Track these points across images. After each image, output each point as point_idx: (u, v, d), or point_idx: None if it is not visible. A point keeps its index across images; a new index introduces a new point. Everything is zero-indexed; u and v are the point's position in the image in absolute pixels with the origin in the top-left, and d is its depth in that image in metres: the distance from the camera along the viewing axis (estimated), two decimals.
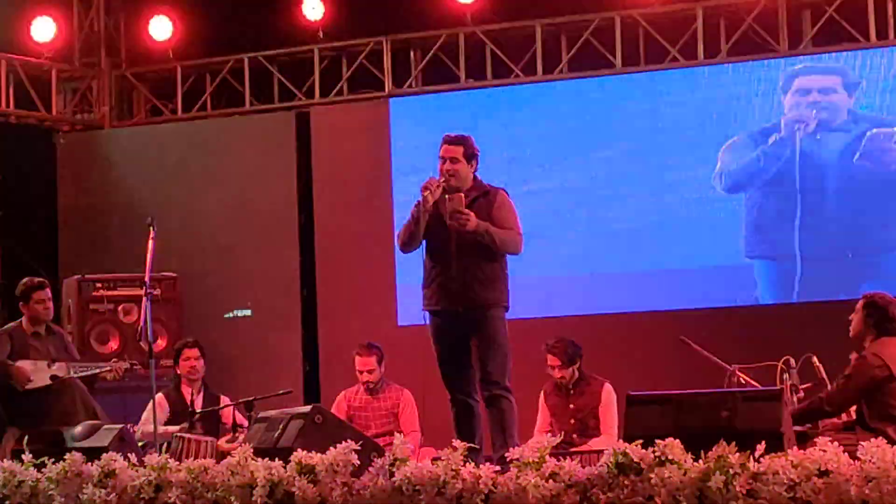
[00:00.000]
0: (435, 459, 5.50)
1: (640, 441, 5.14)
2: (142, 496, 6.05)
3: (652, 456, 5.08)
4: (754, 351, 8.54)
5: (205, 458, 6.68)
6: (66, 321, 10.75)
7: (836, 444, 5.03)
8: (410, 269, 9.46)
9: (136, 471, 6.15)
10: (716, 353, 8.41)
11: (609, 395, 8.65)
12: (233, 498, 5.82)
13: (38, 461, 6.43)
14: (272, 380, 10.43)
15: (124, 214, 11.62)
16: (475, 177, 7.34)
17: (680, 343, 8.59)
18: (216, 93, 12.27)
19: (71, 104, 12.42)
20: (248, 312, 11.66)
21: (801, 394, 7.76)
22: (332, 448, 5.73)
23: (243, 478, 5.83)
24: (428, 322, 7.35)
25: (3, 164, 11.64)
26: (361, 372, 9.24)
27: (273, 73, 12.08)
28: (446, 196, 7.13)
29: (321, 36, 11.79)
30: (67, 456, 6.32)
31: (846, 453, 4.97)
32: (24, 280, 8.87)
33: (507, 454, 5.51)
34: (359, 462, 5.66)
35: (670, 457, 5.05)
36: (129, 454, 6.33)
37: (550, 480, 5.21)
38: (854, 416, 7.13)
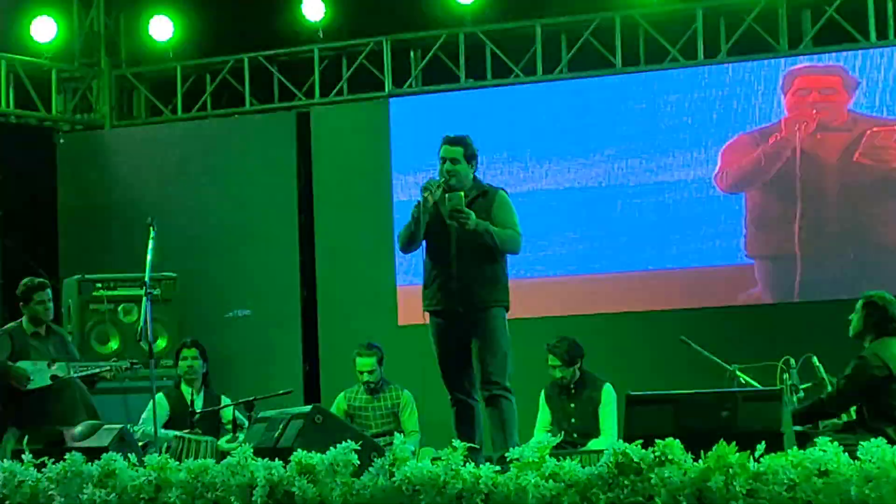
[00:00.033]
0: (435, 459, 5.50)
1: (641, 441, 5.14)
2: (142, 496, 6.04)
3: (652, 456, 5.08)
4: (754, 351, 8.55)
5: (205, 458, 6.67)
6: (67, 321, 10.75)
7: (835, 444, 5.02)
8: (410, 269, 9.52)
9: (136, 471, 6.15)
10: (716, 353, 8.42)
11: (609, 395, 8.66)
12: (233, 498, 5.82)
13: (38, 461, 6.42)
14: (272, 380, 10.43)
15: (124, 214, 11.62)
16: (475, 177, 7.35)
17: (680, 343, 8.60)
18: (216, 93, 12.28)
19: (71, 104, 12.42)
20: (248, 312, 11.66)
21: (801, 394, 7.77)
22: (332, 448, 5.72)
23: (243, 478, 5.83)
24: (428, 322, 7.36)
25: (3, 164, 11.64)
26: (361, 372, 9.24)
27: (273, 73, 12.08)
28: (446, 196, 7.14)
29: (321, 36, 11.79)
30: (67, 456, 6.32)
31: (846, 453, 4.97)
32: (25, 280, 8.87)
33: (507, 454, 5.51)
34: (359, 462, 5.66)
35: (670, 457, 5.05)
36: (128, 454, 6.32)
37: (550, 480, 5.21)
38: (854, 416, 7.13)
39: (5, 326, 8.88)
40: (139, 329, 8.72)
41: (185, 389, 9.24)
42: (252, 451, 5.98)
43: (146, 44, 12.31)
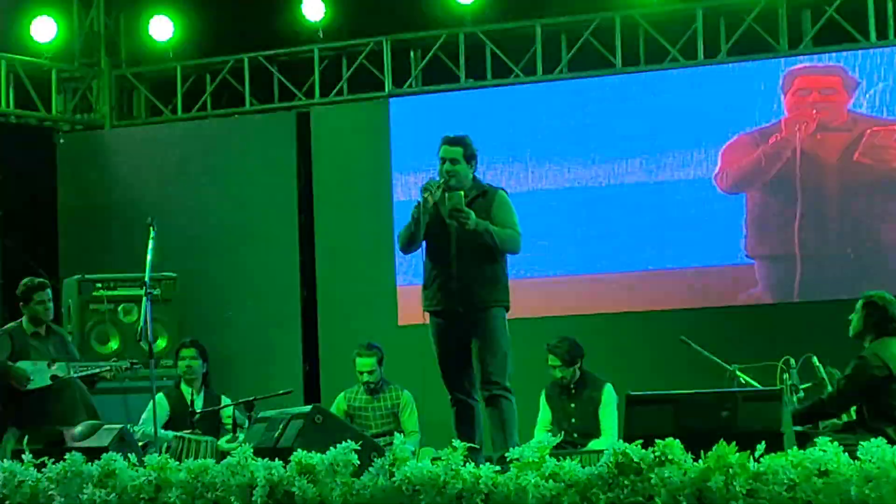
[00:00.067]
0: (435, 459, 5.50)
1: (641, 441, 5.14)
2: (142, 496, 6.05)
3: (652, 456, 5.08)
4: (754, 351, 8.55)
5: (205, 458, 6.67)
6: (67, 321, 10.74)
7: (835, 444, 5.03)
8: (410, 270, 9.52)
9: (136, 471, 6.15)
10: (716, 353, 8.42)
11: (610, 395, 8.66)
12: (233, 498, 5.82)
13: (38, 461, 6.42)
14: (272, 380, 10.43)
15: (124, 214, 11.62)
16: (474, 177, 7.35)
17: (680, 343, 8.60)
18: (216, 93, 12.27)
19: (71, 104, 12.42)
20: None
21: (801, 394, 7.77)
22: (332, 448, 5.72)
23: (243, 478, 5.83)
24: (428, 322, 7.36)
25: (3, 164, 11.64)
26: (361, 372, 9.24)
27: (273, 73, 12.08)
28: (446, 195, 7.14)
29: (321, 36, 11.79)
30: (67, 456, 6.32)
31: (846, 453, 4.97)
32: (25, 280, 8.87)
33: (507, 454, 5.51)
34: (359, 462, 5.66)
35: (670, 457, 5.05)
36: (129, 454, 6.32)
37: (550, 480, 5.21)
38: (854, 416, 7.13)
39: (5, 326, 8.88)
40: (139, 329, 8.72)
41: (185, 389, 9.24)
42: (252, 451, 5.98)
43: (146, 44, 12.31)
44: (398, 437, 5.69)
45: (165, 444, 8.20)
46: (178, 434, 8.41)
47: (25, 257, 11.59)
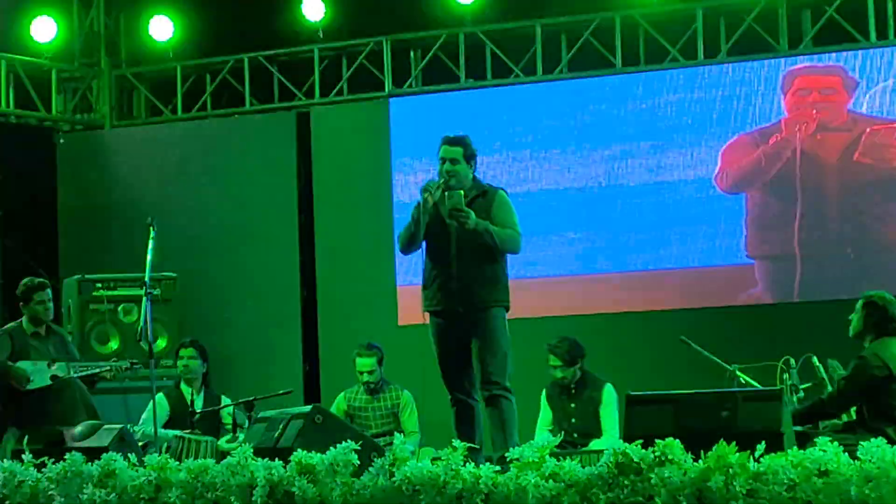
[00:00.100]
0: (435, 459, 5.50)
1: (641, 441, 5.14)
2: (142, 496, 6.05)
3: (652, 456, 5.08)
4: (754, 351, 8.56)
5: (205, 458, 6.67)
6: (67, 321, 10.75)
7: (835, 444, 5.03)
8: (410, 269, 9.51)
9: (136, 471, 6.15)
10: (716, 353, 8.42)
11: (610, 395, 8.65)
12: (233, 498, 5.82)
13: (38, 461, 6.42)
14: (272, 380, 10.43)
15: (124, 214, 11.62)
16: (474, 177, 7.35)
17: (680, 343, 8.60)
18: (216, 93, 12.28)
19: (71, 104, 12.42)
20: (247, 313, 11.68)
21: (801, 394, 7.77)
22: (332, 448, 5.72)
23: (243, 478, 5.83)
24: (428, 322, 7.36)
25: (3, 164, 11.65)
26: (361, 372, 9.24)
27: (273, 73, 12.08)
28: (446, 195, 7.14)
29: (321, 36, 11.79)
30: (67, 456, 6.32)
31: (846, 453, 4.97)
32: (25, 280, 8.87)
33: (507, 454, 5.51)
34: (359, 462, 5.66)
35: (670, 457, 5.05)
36: (129, 454, 6.32)
37: (550, 480, 5.21)
38: (854, 416, 7.13)
39: (5, 326, 8.87)
40: (139, 329, 8.72)
41: (185, 389, 9.24)
42: (252, 451, 5.98)
43: (146, 44, 12.31)
44: (398, 437, 5.69)
45: (166, 444, 8.20)
46: (178, 434, 8.41)
47: (25, 257, 11.60)
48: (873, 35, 10.60)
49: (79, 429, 7.30)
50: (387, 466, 5.54)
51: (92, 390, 8.84)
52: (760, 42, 10.88)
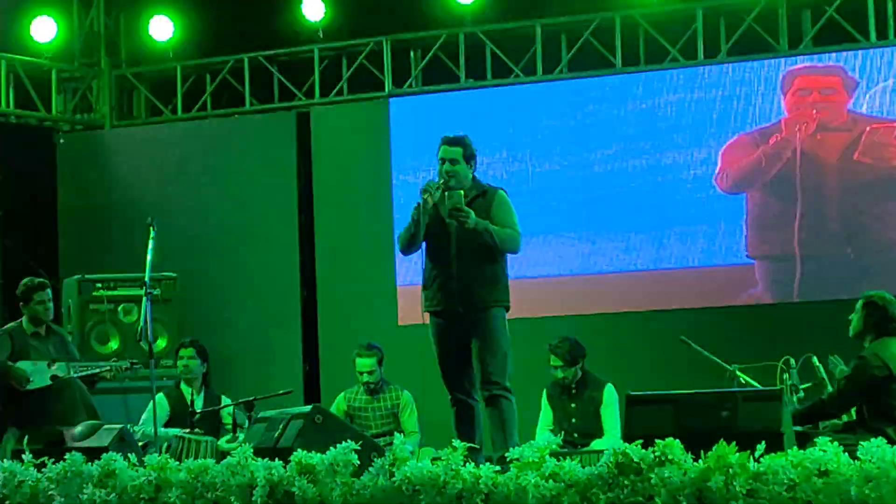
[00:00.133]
0: (435, 459, 5.50)
1: (641, 441, 5.14)
2: (142, 496, 6.05)
3: (652, 456, 5.08)
4: (754, 351, 8.56)
5: (205, 458, 6.67)
6: (67, 321, 10.75)
7: (835, 444, 5.03)
8: (410, 269, 9.51)
9: (136, 471, 6.15)
10: (716, 353, 8.42)
11: (611, 395, 8.65)
12: (233, 498, 5.82)
13: (38, 461, 6.42)
14: (272, 380, 10.43)
15: (124, 214, 11.62)
16: (474, 177, 7.35)
17: (680, 343, 8.60)
18: (216, 93, 12.28)
19: (71, 104, 12.42)
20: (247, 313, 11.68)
21: (801, 394, 7.77)
22: (332, 448, 5.72)
23: (243, 478, 5.83)
24: (428, 322, 7.36)
25: (3, 164, 11.65)
26: (361, 373, 9.24)
27: (273, 73, 12.08)
28: (446, 194, 7.14)
29: (321, 36, 11.79)
30: (67, 456, 6.32)
31: (846, 453, 4.97)
32: (25, 280, 8.87)
33: (507, 454, 5.51)
34: (359, 462, 5.66)
35: (670, 457, 5.05)
36: (129, 454, 6.32)
37: (550, 480, 5.21)
38: (854, 416, 7.13)
39: (5, 326, 8.87)
40: (139, 329, 8.72)
41: (186, 389, 9.23)
42: (252, 451, 5.98)
43: (146, 44, 12.31)
44: (398, 437, 5.70)
45: (166, 444, 8.20)
46: (178, 434, 8.41)
47: (25, 257, 11.60)
48: (873, 35, 10.60)
49: (79, 429, 7.30)
50: (387, 466, 5.54)
51: (92, 390, 8.84)
52: (760, 42, 10.88)
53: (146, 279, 8.40)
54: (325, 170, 11.76)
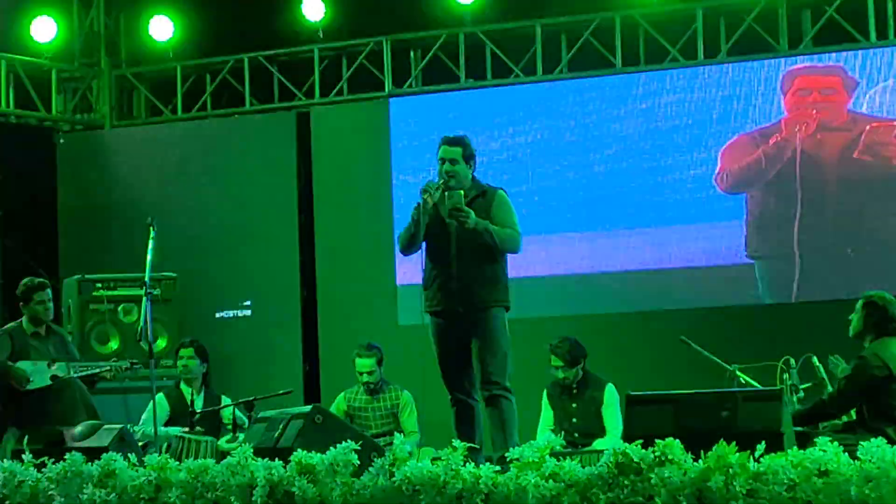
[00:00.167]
0: (435, 459, 5.50)
1: (641, 441, 5.14)
2: (142, 496, 6.05)
3: (652, 456, 5.08)
4: (754, 351, 8.56)
5: (205, 458, 6.67)
6: (67, 321, 10.75)
7: (835, 444, 5.03)
8: (410, 269, 9.48)
9: (136, 471, 6.15)
10: (716, 353, 8.42)
11: (612, 395, 8.65)
12: (233, 498, 5.82)
13: (38, 461, 6.42)
14: (272, 380, 10.44)
15: (124, 214, 11.62)
16: (474, 177, 7.35)
17: (680, 343, 8.60)
18: (216, 93, 12.28)
19: (71, 104, 12.42)
20: (248, 313, 11.67)
21: (801, 394, 7.77)
22: (332, 448, 5.72)
23: (243, 478, 5.83)
24: (428, 323, 7.36)
25: (3, 164, 11.65)
26: (361, 373, 9.24)
27: (273, 73, 12.08)
28: (446, 194, 7.14)
29: (321, 36, 11.79)
30: (67, 456, 6.32)
31: (846, 453, 4.97)
32: (25, 280, 8.87)
33: (507, 454, 5.51)
34: (359, 462, 5.66)
35: (670, 457, 5.05)
36: (129, 454, 6.32)
37: (550, 480, 5.21)
38: (854, 416, 7.13)
39: (5, 326, 8.87)
40: (139, 329, 8.72)
41: (186, 389, 9.24)
42: (252, 451, 5.98)
43: (146, 44, 12.31)
44: (398, 437, 5.70)
45: (166, 444, 8.20)
46: (179, 434, 8.41)
47: (25, 257, 11.60)
48: (873, 35, 10.60)
49: (79, 429, 7.30)
50: (387, 466, 5.54)
51: (92, 390, 8.84)
52: (760, 42, 10.88)
53: (146, 279, 8.40)
54: (325, 170, 11.76)
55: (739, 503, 4.91)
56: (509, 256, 7.34)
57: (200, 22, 12.10)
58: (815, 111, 10.59)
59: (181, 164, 12.05)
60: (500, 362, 7.18)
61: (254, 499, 5.75)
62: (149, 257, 8.40)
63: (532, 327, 9.52)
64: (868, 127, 10.45)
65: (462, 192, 7.14)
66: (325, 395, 10.82)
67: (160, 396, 9.08)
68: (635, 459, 5.08)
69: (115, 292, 10.81)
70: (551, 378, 8.76)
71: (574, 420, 8.65)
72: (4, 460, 6.58)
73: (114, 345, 10.74)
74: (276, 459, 5.83)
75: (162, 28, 12.14)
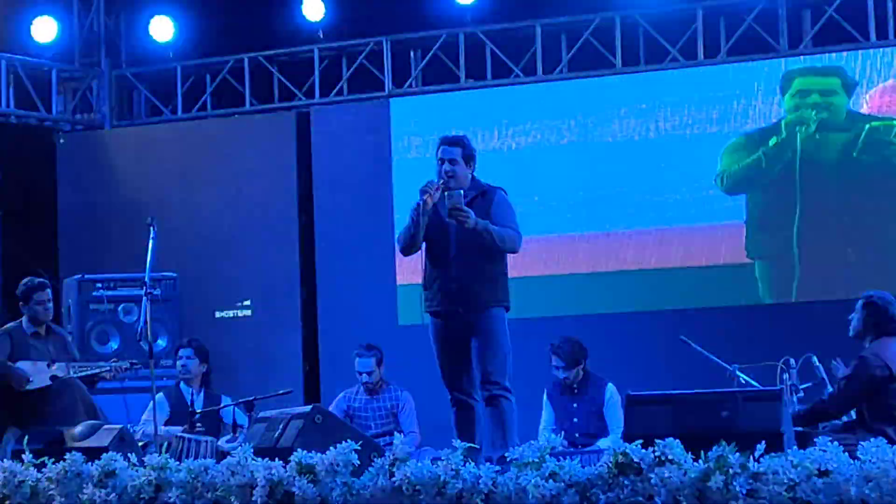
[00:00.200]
0: (435, 459, 5.50)
1: (641, 441, 5.14)
2: (142, 496, 6.05)
3: (652, 456, 5.08)
4: (754, 351, 8.55)
5: (205, 458, 6.67)
6: (67, 321, 10.75)
7: (835, 443, 5.03)
8: (410, 269, 9.49)
9: (136, 471, 6.15)
10: (716, 353, 8.42)
11: (613, 395, 8.65)
12: (233, 498, 5.82)
13: (38, 461, 6.42)
14: (272, 380, 10.43)
15: (124, 214, 11.62)
16: (473, 177, 7.34)
17: (680, 343, 8.59)
18: (216, 93, 12.27)
19: (71, 104, 12.42)
20: (248, 313, 11.67)
21: (801, 394, 7.77)
22: (332, 448, 5.72)
23: (243, 478, 5.83)
24: (428, 323, 7.36)
25: (3, 164, 11.64)
26: (361, 373, 9.24)
27: (273, 73, 12.08)
28: (446, 194, 7.14)
29: (321, 36, 11.79)
30: (67, 456, 6.32)
31: (846, 453, 4.97)
32: (25, 280, 8.87)
33: (507, 454, 5.51)
34: (359, 462, 5.66)
35: (670, 457, 5.05)
36: (129, 454, 6.32)
37: (550, 480, 5.21)
38: (854, 417, 7.13)
39: (5, 326, 8.87)
40: (139, 329, 8.72)
41: (186, 389, 9.24)
42: (252, 451, 5.98)
43: (146, 44, 12.31)
44: (398, 437, 5.70)
45: (166, 444, 8.19)
46: (179, 434, 8.41)
47: (25, 257, 11.59)
48: (873, 35, 10.60)
49: (79, 429, 7.30)
50: (387, 466, 5.54)
51: (92, 390, 8.83)
52: (760, 42, 10.88)
53: (146, 279, 8.41)
54: (325, 170, 11.76)
55: (739, 503, 4.91)
56: (509, 256, 7.34)
57: (200, 22, 12.10)
58: (814, 112, 10.59)
59: (181, 164, 12.04)
60: (501, 362, 7.18)
61: (254, 499, 5.75)
62: (149, 257, 8.40)
63: (532, 327, 9.51)
64: (868, 127, 10.45)
65: (462, 192, 7.14)
66: (325, 395, 10.82)
67: (160, 396, 9.08)
68: (635, 459, 5.08)
69: (115, 292, 10.81)
70: (552, 378, 8.76)
71: (575, 420, 8.66)
72: (4, 460, 6.58)
73: (114, 345, 10.74)
74: (276, 459, 5.83)
75: (162, 28, 12.14)
